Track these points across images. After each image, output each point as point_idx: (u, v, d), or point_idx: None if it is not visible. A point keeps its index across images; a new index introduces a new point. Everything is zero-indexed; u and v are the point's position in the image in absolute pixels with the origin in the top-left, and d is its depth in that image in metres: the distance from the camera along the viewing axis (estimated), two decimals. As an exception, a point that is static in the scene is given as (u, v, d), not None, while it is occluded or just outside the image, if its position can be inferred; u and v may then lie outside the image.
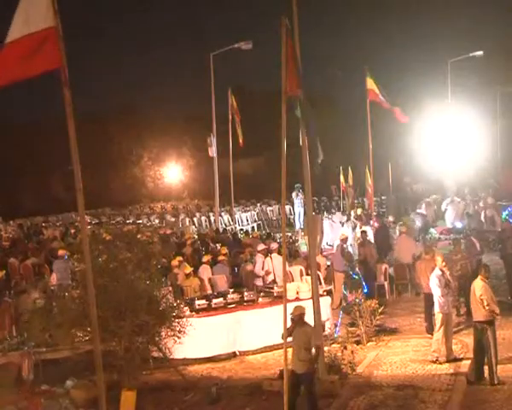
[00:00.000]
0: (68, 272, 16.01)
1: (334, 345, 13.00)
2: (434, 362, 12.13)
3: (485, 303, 11.19)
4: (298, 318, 9.90)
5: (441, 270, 12.60)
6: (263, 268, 16.47)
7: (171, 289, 13.71)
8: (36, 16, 6.88)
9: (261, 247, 17.74)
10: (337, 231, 23.26)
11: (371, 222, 22.51)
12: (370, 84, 19.62)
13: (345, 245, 18.58)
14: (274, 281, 16.10)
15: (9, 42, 6.92)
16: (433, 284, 12.50)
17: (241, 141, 28.47)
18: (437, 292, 12.40)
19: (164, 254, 16.51)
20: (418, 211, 27.27)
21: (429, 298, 14.06)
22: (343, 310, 15.24)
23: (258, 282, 16.41)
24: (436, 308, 12.49)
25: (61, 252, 17.00)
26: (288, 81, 9.56)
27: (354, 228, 22.99)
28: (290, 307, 10.15)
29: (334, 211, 29.78)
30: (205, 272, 16.35)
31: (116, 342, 10.33)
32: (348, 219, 24.90)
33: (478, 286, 11.36)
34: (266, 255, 16.91)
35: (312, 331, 9.99)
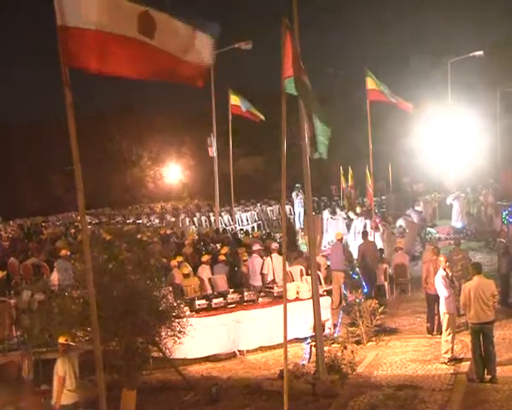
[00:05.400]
0: (70, 272, 15.99)
1: (334, 345, 13.00)
2: (446, 363, 12.08)
3: (497, 300, 11.27)
4: (67, 346, 9.48)
5: (445, 270, 12.61)
6: (262, 268, 16.47)
7: (171, 289, 13.71)
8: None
9: (256, 247, 17.73)
10: (337, 228, 23.41)
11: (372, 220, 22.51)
12: (371, 83, 19.58)
13: (343, 244, 18.60)
14: (273, 281, 16.10)
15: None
16: (440, 285, 12.46)
17: (262, 117, 27.61)
18: (443, 293, 12.36)
19: (164, 254, 16.52)
20: (416, 208, 27.33)
21: (434, 299, 14.04)
22: (343, 310, 15.25)
23: (256, 282, 16.41)
24: (443, 309, 12.42)
25: (63, 252, 16.93)
26: (284, 68, 9.49)
27: (348, 226, 23.17)
28: (290, 307, 10.14)
29: (333, 206, 29.75)
30: (204, 271, 16.35)
31: (116, 342, 10.33)
32: (346, 218, 25.01)
33: (488, 284, 11.31)
34: (266, 255, 16.90)
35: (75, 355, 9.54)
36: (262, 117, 27.24)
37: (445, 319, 12.36)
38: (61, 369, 9.32)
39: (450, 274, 12.65)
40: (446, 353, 12.21)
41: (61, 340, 9.47)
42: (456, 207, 27.32)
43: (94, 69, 7.08)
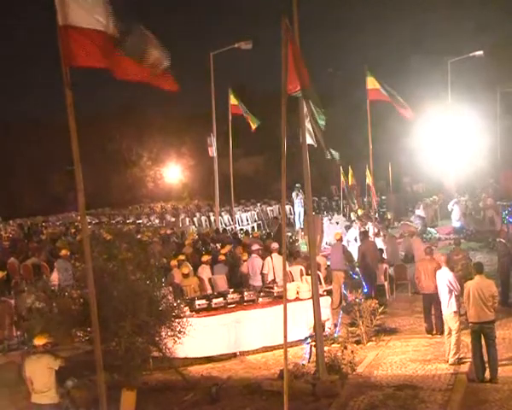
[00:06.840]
0: (70, 272, 16.01)
1: (334, 345, 13.00)
2: (457, 364, 11.98)
3: (496, 301, 11.25)
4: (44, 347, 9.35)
5: (451, 270, 12.58)
6: (262, 268, 16.46)
7: (171, 289, 13.71)
8: None
9: (255, 247, 17.73)
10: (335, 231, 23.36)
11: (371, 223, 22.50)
12: (371, 83, 19.55)
13: (344, 244, 18.59)
14: (274, 281, 16.09)
15: None
16: (452, 284, 12.36)
17: (253, 127, 27.63)
18: (454, 292, 12.27)
19: (164, 254, 16.51)
20: (417, 212, 27.34)
21: (428, 299, 14.05)
22: (343, 310, 15.24)
23: (256, 282, 16.40)
24: (453, 308, 12.26)
25: (63, 252, 16.95)
26: (288, 81, 9.54)
27: (348, 228, 23.13)
28: (290, 307, 10.13)
29: (332, 212, 29.83)
30: (204, 271, 16.35)
31: (116, 342, 10.33)
32: (350, 220, 24.97)
33: (488, 285, 11.28)
34: (266, 256, 16.90)
35: (53, 355, 9.42)
36: (254, 126, 27.26)
37: (456, 318, 12.26)
38: (25, 369, 9.35)
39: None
40: (456, 354, 12.09)
41: (39, 342, 9.33)
42: (457, 209, 27.33)
43: (95, 66, 7.08)
